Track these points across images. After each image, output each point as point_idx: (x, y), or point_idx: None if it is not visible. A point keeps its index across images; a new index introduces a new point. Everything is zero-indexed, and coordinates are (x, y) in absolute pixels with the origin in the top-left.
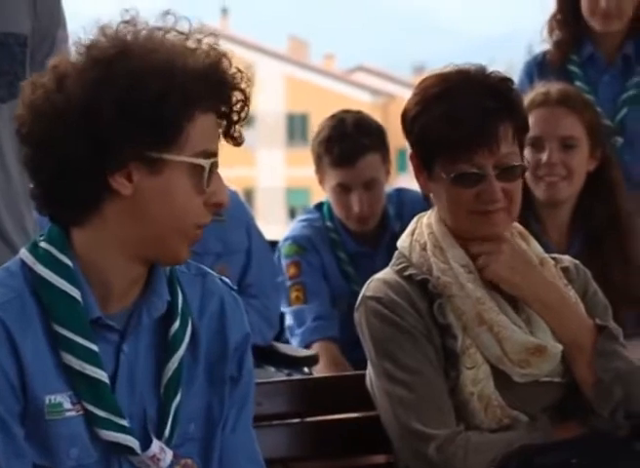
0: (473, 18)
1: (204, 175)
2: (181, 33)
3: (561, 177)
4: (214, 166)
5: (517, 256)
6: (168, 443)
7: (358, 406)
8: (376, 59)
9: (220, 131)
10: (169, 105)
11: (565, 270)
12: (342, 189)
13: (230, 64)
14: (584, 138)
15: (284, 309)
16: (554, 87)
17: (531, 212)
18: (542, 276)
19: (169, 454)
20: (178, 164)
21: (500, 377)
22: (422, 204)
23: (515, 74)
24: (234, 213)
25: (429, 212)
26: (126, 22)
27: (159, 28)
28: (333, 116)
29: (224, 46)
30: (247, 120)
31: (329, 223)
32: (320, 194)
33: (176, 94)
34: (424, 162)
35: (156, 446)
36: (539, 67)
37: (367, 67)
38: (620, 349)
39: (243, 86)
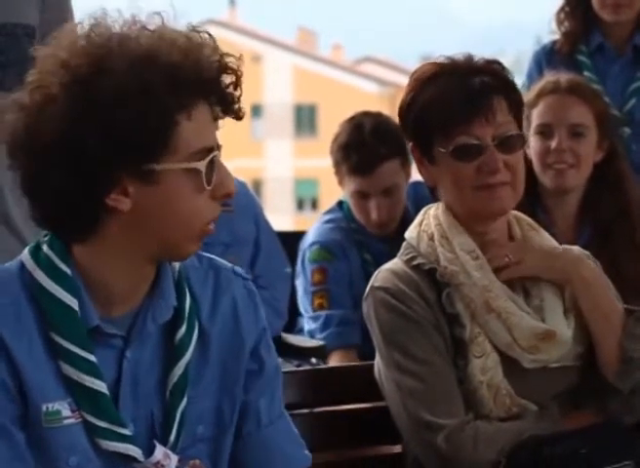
0: (480, 7)
1: (202, 176)
2: (154, 31)
3: (569, 165)
4: (214, 159)
5: (542, 247)
6: (173, 448)
7: (367, 396)
8: (383, 50)
9: (219, 112)
10: (149, 121)
11: None
12: (361, 196)
13: (214, 50)
14: (593, 127)
15: (305, 314)
16: (564, 76)
17: (538, 202)
18: (575, 255)
19: (174, 460)
20: (172, 171)
21: (510, 365)
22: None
23: (524, 63)
24: (243, 203)
25: (437, 204)
26: (96, 28)
27: (129, 35)
28: (352, 119)
29: (206, 29)
30: (249, 106)
31: (353, 224)
32: (328, 185)
33: (154, 108)
34: (424, 148)
35: (160, 452)
36: (547, 57)
37: (375, 58)
38: None
39: (231, 66)
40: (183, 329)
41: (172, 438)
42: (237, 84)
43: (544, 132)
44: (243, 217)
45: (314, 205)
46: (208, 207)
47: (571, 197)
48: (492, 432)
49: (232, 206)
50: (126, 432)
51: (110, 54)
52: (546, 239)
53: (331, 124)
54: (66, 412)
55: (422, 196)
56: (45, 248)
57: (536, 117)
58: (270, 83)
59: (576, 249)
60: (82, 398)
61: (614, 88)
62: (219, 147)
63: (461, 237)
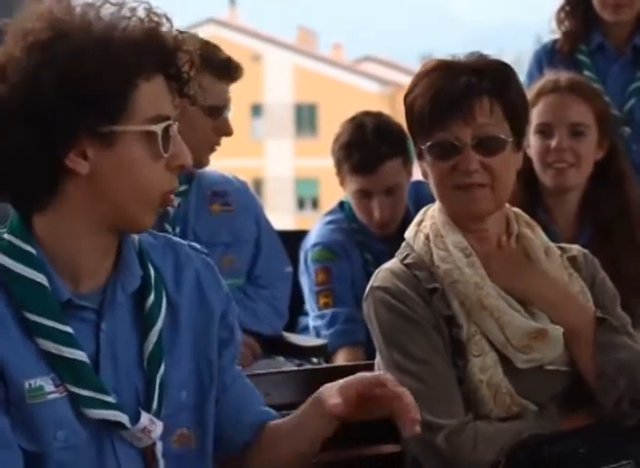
0: (480, 7)
1: (158, 141)
2: (115, 4)
3: (569, 164)
4: (169, 129)
5: (511, 261)
6: (157, 414)
7: None
8: (384, 50)
9: (175, 92)
10: (108, 79)
11: (573, 259)
12: (363, 195)
13: (171, 27)
14: (593, 126)
15: (312, 313)
16: (564, 75)
17: (538, 201)
18: (540, 272)
19: (159, 425)
20: (129, 134)
21: (507, 365)
22: None
23: (524, 63)
24: (244, 203)
25: (435, 203)
26: (60, 2)
27: (92, 4)
28: (353, 119)
29: (165, 12)
30: (248, 106)
31: (354, 225)
32: (329, 184)
33: (113, 67)
34: (415, 144)
35: (145, 418)
36: (548, 56)
37: (375, 57)
38: (623, 340)
39: (186, 47)
40: (152, 297)
41: (154, 404)
42: (192, 64)
43: (545, 131)
44: (244, 217)
45: (315, 204)
46: (164, 175)
47: (571, 196)
48: (491, 432)
49: (233, 205)
50: (110, 399)
51: (71, 21)
52: (541, 237)
53: (331, 123)
54: (50, 388)
55: (423, 195)
56: (5, 235)
57: (536, 116)
58: (270, 82)
59: (575, 248)
60: (64, 370)
61: (614, 87)
62: (175, 123)
63: (455, 235)
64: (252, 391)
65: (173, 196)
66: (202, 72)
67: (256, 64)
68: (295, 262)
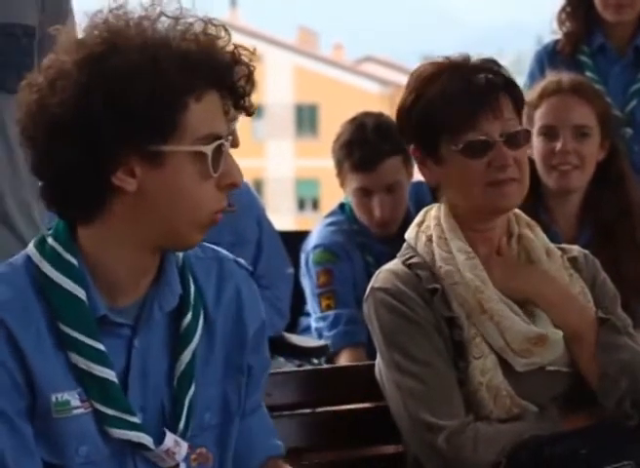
0: (481, 7)
1: (208, 161)
2: (171, 17)
3: (573, 166)
4: (220, 148)
5: (512, 262)
6: (183, 435)
7: (368, 396)
8: (384, 50)
9: (230, 105)
10: (158, 99)
11: (573, 260)
12: (364, 193)
13: (228, 42)
14: (596, 128)
15: (314, 314)
16: (566, 76)
17: (540, 202)
18: (541, 272)
19: (184, 447)
20: (178, 154)
21: (507, 367)
22: None
23: (524, 63)
24: (246, 203)
25: (438, 204)
26: (115, 11)
27: (148, 16)
28: (354, 119)
29: (222, 22)
30: (254, 90)
31: (355, 226)
32: (329, 185)
33: (164, 86)
34: (429, 148)
35: (170, 439)
36: (549, 57)
37: (375, 58)
38: (625, 340)
39: (244, 60)
40: (189, 316)
41: (181, 425)
42: (249, 77)
43: (549, 133)
44: (246, 217)
45: (315, 205)
46: (214, 195)
47: (573, 197)
48: (492, 433)
49: (235, 206)
50: (135, 420)
51: (126, 35)
52: (541, 238)
53: (332, 124)
54: (76, 402)
55: (423, 196)
56: (50, 240)
57: (539, 118)
58: (271, 83)
59: (575, 248)
60: (91, 387)
61: (615, 88)
62: (228, 139)
63: (459, 238)
64: (266, 424)
65: (220, 215)
66: None
67: (256, 65)
68: (295, 263)
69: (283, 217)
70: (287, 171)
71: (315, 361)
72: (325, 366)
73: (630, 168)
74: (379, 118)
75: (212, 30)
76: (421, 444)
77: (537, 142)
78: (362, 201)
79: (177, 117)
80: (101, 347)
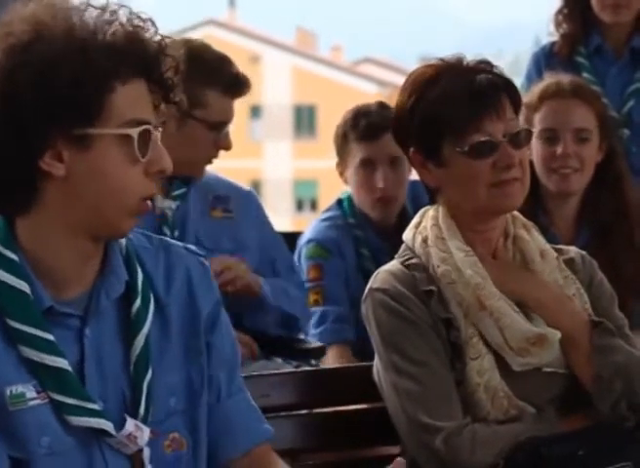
0: (480, 8)
1: (134, 145)
2: (98, 8)
3: (574, 170)
4: (146, 133)
5: (506, 264)
6: (144, 420)
7: (366, 397)
8: (383, 51)
9: (160, 98)
10: (83, 82)
11: (570, 261)
12: (367, 165)
13: (154, 33)
14: (596, 130)
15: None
16: (565, 78)
17: (538, 204)
18: (535, 277)
19: (146, 431)
20: (104, 137)
21: (504, 367)
22: None
23: (522, 65)
24: (245, 211)
25: (436, 206)
26: (44, 5)
27: (76, 8)
28: (354, 106)
29: (150, 16)
30: (247, 107)
31: (351, 220)
32: (327, 186)
33: (89, 70)
34: (430, 150)
35: (130, 424)
36: (546, 58)
37: (374, 59)
38: (619, 342)
39: (171, 52)
40: (138, 301)
41: (141, 410)
42: (176, 70)
43: (549, 136)
44: (245, 225)
45: (313, 206)
46: (141, 181)
47: (572, 199)
48: (490, 435)
49: (233, 212)
50: (95, 407)
51: (52, 24)
52: (536, 240)
53: (330, 125)
54: (31, 394)
55: (420, 195)
56: None
57: (540, 121)
58: (269, 84)
59: (572, 250)
60: (46, 377)
61: (612, 90)
62: (157, 129)
63: (457, 240)
64: (247, 408)
65: (149, 202)
66: (209, 87)
67: (255, 66)
68: None
69: (281, 218)
70: (285, 172)
71: (313, 362)
72: (322, 367)
73: (628, 168)
74: (381, 101)
75: (138, 22)
76: (419, 445)
77: (537, 145)
78: (365, 174)
79: (102, 100)
80: (51, 337)
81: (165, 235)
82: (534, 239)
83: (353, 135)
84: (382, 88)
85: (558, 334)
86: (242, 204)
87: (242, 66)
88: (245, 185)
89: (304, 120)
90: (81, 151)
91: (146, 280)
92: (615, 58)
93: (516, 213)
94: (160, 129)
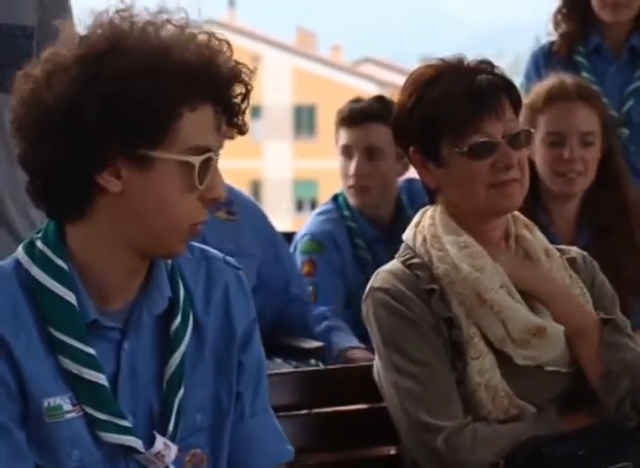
0: (480, 7)
1: (194, 173)
2: (177, 26)
3: (578, 173)
4: (207, 161)
5: (514, 258)
6: (172, 438)
7: (366, 397)
8: (383, 51)
9: (223, 121)
10: (152, 105)
11: (572, 261)
12: (346, 154)
13: (229, 58)
14: (599, 132)
15: None
16: (568, 79)
17: (539, 204)
18: (545, 270)
19: (173, 450)
20: (166, 161)
21: (506, 365)
22: None
23: (523, 65)
24: (247, 217)
25: (435, 205)
26: (122, 12)
27: (154, 22)
28: None
29: (226, 38)
30: (249, 109)
31: (346, 212)
32: (327, 186)
33: (160, 93)
34: (430, 150)
35: (160, 442)
36: (545, 58)
37: (374, 59)
38: (627, 341)
39: (243, 78)
40: (178, 319)
41: (170, 428)
42: (246, 96)
43: (555, 140)
44: (247, 232)
45: (313, 206)
46: (195, 207)
47: (573, 199)
48: (490, 434)
49: (237, 215)
50: (126, 424)
51: (129, 37)
52: (539, 239)
53: (330, 125)
54: (67, 407)
55: (416, 192)
56: (39, 243)
57: (545, 124)
58: (269, 84)
59: (574, 250)
60: (82, 391)
61: (611, 89)
62: (218, 154)
63: (453, 235)
64: (271, 428)
65: (200, 227)
66: None
67: (255, 74)
68: None
69: (281, 219)
70: (285, 172)
71: (313, 362)
72: (322, 367)
73: (626, 166)
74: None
75: (215, 44)
76: (420, 445)
77: (542, 148)
78: (345, 164)
79: (168, 124)
80: (92, 351)
81: None
82: (537, 238)
83: (338, 120)
84: (383, 88)
85: (560, 329)
86: (246, 210)
87: None
88: (244, 190)
89: (304, 120)
90: (140, 171)
91: (187, 296)
92: (614, 58)
93: (517, 212)
94: (220, 152)
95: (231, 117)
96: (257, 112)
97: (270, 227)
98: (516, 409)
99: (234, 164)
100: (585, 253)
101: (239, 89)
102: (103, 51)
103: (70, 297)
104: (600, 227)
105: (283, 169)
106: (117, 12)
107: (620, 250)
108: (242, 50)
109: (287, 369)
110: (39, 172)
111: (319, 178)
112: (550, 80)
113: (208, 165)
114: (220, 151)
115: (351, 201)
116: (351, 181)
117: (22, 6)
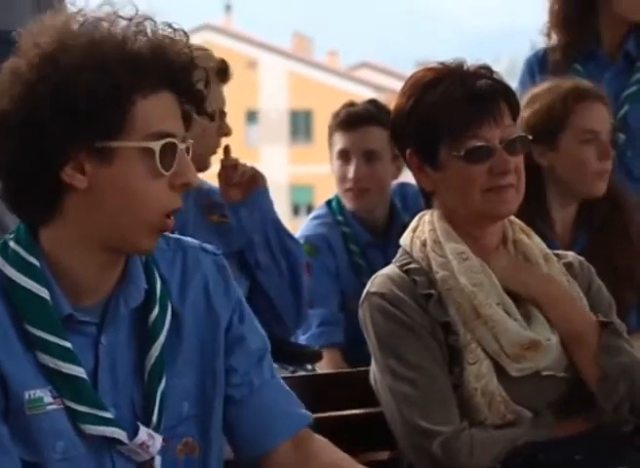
0: (476, 12)
1: (156, 158)
2: (126, 19)
3: (608, 171)
4: (171, 146)
5: (514, 261)
6: (157, 428)
7: (362, 402)
8: (379, 56)
9: (192, 109)
10: (101, 96)
11: (568, 266)
12: (344, 156)
13: (184, 45)
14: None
15: None
16: (579, 80)
17: (539, 209)
18: (545, 272)
19: (158, 440)
20: (126, 150)
21: (502, 372)
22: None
23: (519, 70)
24: (240, 224)
25: (432, 210)
26: (74, 14)
27: (104, 18)
28: None
29: (181, 27)
30: (245, 114)
31: (340, 217)
32: (324, 191)
33: (107, 83)
34: (427, 153)
35: (143, 433)
36: (540, 63)
37: (370, 64)
38: (625, 344)
39: (200, 62)
40: (156, 311)
41: (154, 418)
42: (207, 82)
43: (591, 138)
44: (238, 236)
45: (310, 211)
46: (165, 195)
47: (575, 204)
48: (487, 439)
49: (229, 218)
50: (107, 415)
51: (78, 35)
52: (537, 243)
53: (326, 130)
54: (48, 399)
55: (409, 196)
56: (12, 243)
57: (581, 121)
58: (266, 89)
59: (570, 255)
60: (61, 385)
61: (607, 94)
62: (185, 141)
63: (453, 242)
64: (287, 395)
65: (171, 220)
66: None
67: (251, 71)
68: None
69: None
70: (281, 176)
71: (309, 367)
72: (319, 372)
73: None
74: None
75: (168, 33)
76: (416, 449)
77: (575, 146)
78: (341, 166)
79: (122, 113)
80: (68, 345)
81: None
82: (535, 243)
83: (334, 125)
84: (379, 93)
85: (553, 340)
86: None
87: (238, 71)
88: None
89: (301, 125)
90: (103, 164)
91: (164, 287)
92: (609, 63)
93: (513, 218)
94: (190, 141)
95: (197, 104)
96: (253, 117)
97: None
98: (513, 414)
99: None
100: (582, 259)
101: (198, 74)
102: (52, 51)
103: (44, 293)
104: (596, 227)
105: (279, 174)
106: (71, 15)
107: (616, 243)
108: (238, 55)
109: (283, 374)
110: (5, 176)
111: (315, 183)
112: (568, 80)
113: (172, 151)
114: (189, 141)
115: (348, 204)
116: (349, 185)
117: (21, 11)
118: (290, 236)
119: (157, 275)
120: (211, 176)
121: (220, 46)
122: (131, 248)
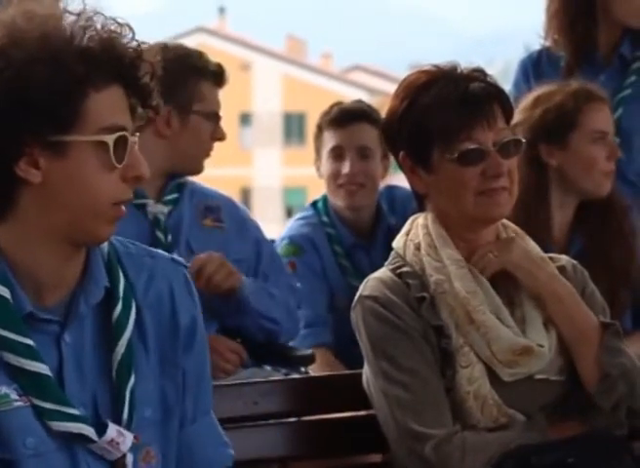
0: (470, 16)
1: (110, 151)
2: (75, 14)
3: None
4: (122, 140)
5: (528, 251)
6: (128, 426)
7: (355, 405)
8: (373, 59)
9: (137, 103)
10: (54, 89)
11: (561, 269)
12: (337, 153)
13: (131, 40)
14: None
15: None
16: (588, 83)
17: (541, 209)
18: (554, 270)
19: (129, 437)
20: (80, 144)
21: (495, 376)
22: (413, 201)
23: (512, 73)
24: (235, 225)
25: (425, 213)
26: (23, 11)
27: (53, 14)
28: None
29: (127, 22)
30: (238, 117)
31: (325, 218)
32: (317, 193)
33: (60, 77)
34: (420, 156)
35: (112, 430)
36: (534, 66)
37: (364, 66)
38: (624, 346)
39: (147, 57)
40: (119, 307)
41: (125, 416)
42: (153, 75)
43: (603, 138)
44: (235, 238)
45: None
46: (116, 186)
47: (573, 206)
48: (479, 442)
49: (224, 222)
50: (74, 412)
51: (26, 30)
52: (532, 247)
53: None
54: (15, 396)
55: (396, 199)
56: None
57: (594, 122)
58: (259, 91)
59: (564, 258)
60: (26, 382)
61: None
62: (135, 134)
63: (449, 248)
64: (212, 433)
65: (123, 207)
66: (201, 80)
67: (244, 73)
68: None
69: (271, 226)
70: (275, 179)
71: (302, 369)
72: (312, 374)
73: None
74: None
75: (115, 27)
76: (409, 453)
77: (587, 146)
78: (334, 163)
79: (75, 106)
80: (30, 342)
81: (159, 240)
82: (530, 247)
83: (325, 123)
84: (372, 95)
85: (545, 347)
86: (233, 217)
87: (232, 74)
88: (234, 197)
89: (294, 128)
90: (57, 158)
91: (129, 285)
92: (603, 65)
93: (506, 221)
94: (137, 134)
95: (144, 98)
96: (247, 120)
97: (259, 233)
98: (505, 417)
99: (224, 171)
100: (576, 263)
101: (145, 68)
102: (3, 45)
103: (3, 292)
104: (592, 228)
105: (273, 176)
106: (22, 13)
107: (611, 245)
108: (232, 57)
109: (276, 376)
110: None
111: (309, 186)
112: (571, 83)
113: (124, 144)
114: (137, 134)
115: (341, 201)
116: (342, 180)
117: None
118: (272, 320)
119: (121, 274)
120: (204, 179)
121: (213, 48)
122: (87, 238)
